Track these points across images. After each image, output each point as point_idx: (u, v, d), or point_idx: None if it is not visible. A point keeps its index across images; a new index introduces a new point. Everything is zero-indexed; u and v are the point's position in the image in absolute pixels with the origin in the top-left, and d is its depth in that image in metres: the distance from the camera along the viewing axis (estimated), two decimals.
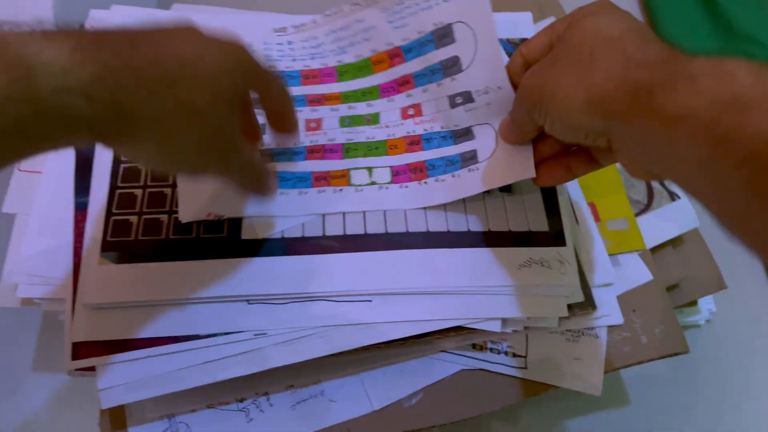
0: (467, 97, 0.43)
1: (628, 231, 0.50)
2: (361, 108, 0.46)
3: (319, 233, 0.43)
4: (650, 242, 0.50)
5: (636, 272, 0.49)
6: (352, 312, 0.42)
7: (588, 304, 0.45)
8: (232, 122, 0.32)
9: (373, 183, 0.44)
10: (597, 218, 0.50)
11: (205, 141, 0.30)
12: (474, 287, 0.42)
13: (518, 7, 0.56)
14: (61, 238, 0.43)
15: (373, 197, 0.44)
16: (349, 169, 0.44)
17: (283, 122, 0.39)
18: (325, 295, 0.42)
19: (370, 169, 0.45)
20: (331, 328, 0.41)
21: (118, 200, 0.43)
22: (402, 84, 0.45)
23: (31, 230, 0.43)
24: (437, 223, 0.44)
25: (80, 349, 0.40)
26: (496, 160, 0.42)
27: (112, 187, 0.44)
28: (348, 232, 0.43)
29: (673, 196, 0.52)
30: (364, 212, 0.43)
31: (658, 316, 0.48)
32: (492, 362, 0.46)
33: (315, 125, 0.46)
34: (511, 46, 0.51)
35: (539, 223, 0.45)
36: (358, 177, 0.44)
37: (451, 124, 0.44)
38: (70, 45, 0.24)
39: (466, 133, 0.44)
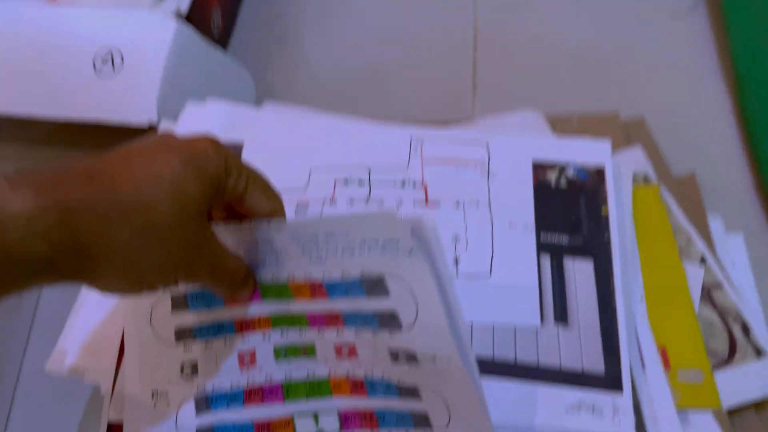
0: (411, 358, 0.35)
1: (702, 385, 0.45)
2: (294, 336, 0.38)
3: None
4: (728, 401, 0.45)
5: None
6: None
7: None
8: (199, 232, 0.31)
9: (320, 431, 0.39)
10: (667, 365, 0.45)
11: (170, 259, 0.29)
12: (513, 426, 0.39)
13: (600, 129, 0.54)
14: (115, 315, 0.44)
15: None
16: (293, 416, 0.39)
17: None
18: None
19: (315, 415, 0.39)
20: None
21: None
22: (330, 319, 0.36)
23: (89, 300, 0.45)
24: (483, 347, 0.42)
25: (114, 430, 0.41)
26: None
27: None
28: None
29: (759, 352, 0.47)
30: None
31: None
32: None
33: (249, 359, 0.40)
34: (585, 173, 0.49)
35: (595, 361, 0.41)
36: (304, 425, 0.39)
37: (393, 377, 0.36)
38: (32, 190, 0.26)
39: (412, 393, 0.36)
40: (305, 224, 0.34)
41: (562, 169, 0.50)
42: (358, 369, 0.37)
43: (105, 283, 0.29)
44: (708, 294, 0.49)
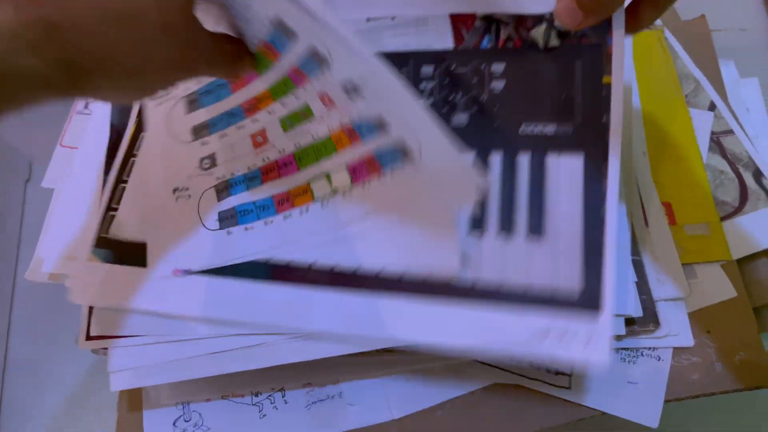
0: (355, 89, 0.34)
1: (710, 237, 0.42)
2: (291, 103, 0.39)
3: (306, 264, 0.38)
4: (739, 252, 0.42)
5: (716, 286, 0.41)
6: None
7: (649, 320, 0.39)
8: (190, 31, 0.30)
9: (335, 191, 0.39)
10: (672, 221, 0.43)
11: (168, 63, 0.29)
12: (469, 352, 0.34)
13: None
14: (87, 218, 0.42)
15: (337, 212, 0.39)
16: (309, 182, 0.39)
17: None
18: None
19: (328, 175, 0.39)
20: None
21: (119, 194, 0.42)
22: (299, 75, 0.36)
23: (60, 206, 0.43)
24: None
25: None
26: (430, 167, 0.35)
27: (117, 180, 0.42)
28: (339, 264, 0.37)
29: None
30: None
31: (740, 340, 0.40)
32: (530, 378, 0.40)
33: (261, 139, 0.41)
34: None
35: (570, 278, 0.34)
36: (320, 188, 0.39)
37: (363, 115, 0.36)
38: (12, 4, 0.25)
39: (383, 126, 0.35)
40: None
41: (550, 23, 0.37)
42: (343, 116, 0.37)
43: (108, 95, 0.30)
44: (717, 141, 0.46)
